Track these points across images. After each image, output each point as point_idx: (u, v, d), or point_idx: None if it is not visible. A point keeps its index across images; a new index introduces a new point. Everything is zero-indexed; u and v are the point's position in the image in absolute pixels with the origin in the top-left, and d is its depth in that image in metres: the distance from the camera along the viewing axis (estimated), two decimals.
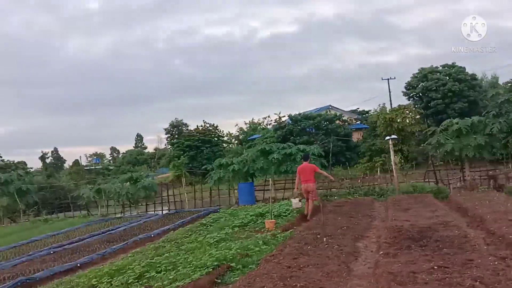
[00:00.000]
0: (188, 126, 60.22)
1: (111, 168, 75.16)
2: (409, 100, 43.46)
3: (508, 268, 6.29)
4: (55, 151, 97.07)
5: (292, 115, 41.99)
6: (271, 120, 55.73)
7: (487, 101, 36.02)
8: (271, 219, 13.20)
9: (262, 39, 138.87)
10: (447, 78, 40.76)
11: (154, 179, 33.67)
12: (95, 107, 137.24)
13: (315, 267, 7.39)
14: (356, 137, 43.46)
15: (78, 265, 11.15)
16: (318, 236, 9.90)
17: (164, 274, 8.06)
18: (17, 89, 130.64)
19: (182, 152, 48.93)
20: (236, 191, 22.86)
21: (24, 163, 62.42)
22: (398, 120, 34.97)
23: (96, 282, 8.25)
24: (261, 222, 13.40)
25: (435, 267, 6.53)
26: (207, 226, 14.38)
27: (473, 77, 41.82)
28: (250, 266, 8.37)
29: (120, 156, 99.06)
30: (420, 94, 42.28)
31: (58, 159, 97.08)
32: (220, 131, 56.76)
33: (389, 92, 51.98)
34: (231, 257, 8.75)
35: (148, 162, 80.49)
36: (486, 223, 9.95)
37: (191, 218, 18.09)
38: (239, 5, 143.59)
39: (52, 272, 10.49)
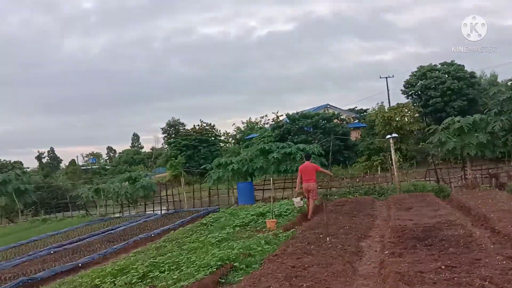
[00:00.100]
0: (185, 126, 60.10)
1: (108, 168, 75.00)
2: (407, 98, 43.52)
3: None
4: (52, 151, 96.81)
5: (290, 114, 41.96)
6: (269, 119, 55.71)
7: (486, 99, 36.12)
8: (272, 218, 13.14)
9: (259, 38, 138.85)
10: (446, 76, 40.77)
11: (151, 179, 33.58)
12: (91, 107, 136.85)
13: (320, 266, 7.35)
14: (354, 136, 43.46)
15: (80, 265, 11.08)
16: (321, 236, 9.86)
17: (168, 274, 7.99)
18: (13, 88, 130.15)
19: (179, 152, 48.94)
20: (235, 190, 22.80)
21: (21, 163, 62.42)
22: (397, 119, 34.95)
23: (99, 282, 8.16)
24: (262, 221, 13.34)
25: (443, 267, 6.49)
26: (208, 225, 14.30)
27: (472, 75, 41.84)
28: (254, 265, 8.34)
29: (116, 155, 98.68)
30: (419, 92, 42.27)
31: (55, 159, 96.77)
32: (217, 131, 56.83)
33: (388, 90, 51.93)
34: (234, 257, 8.70)
35: (145, 162, 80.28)
36: (490, 222, 9.91)
37: (191, 218, 18.00)
38: (236, 4, 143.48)
39: (54, 272, 10.42)
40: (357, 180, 23.47)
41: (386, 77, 50.56)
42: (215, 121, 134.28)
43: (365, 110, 54.38)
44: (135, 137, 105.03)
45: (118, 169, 64.73)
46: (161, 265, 8.66)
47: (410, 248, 7.94)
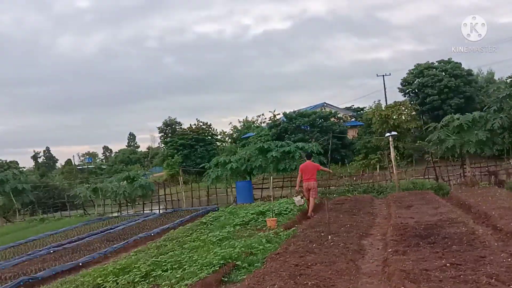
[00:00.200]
0: (181, 125, 59.93)
1: (104, 167, 74.97)
2: (405, 96, 43.43)
3: None
4: (47, 151, 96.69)
5: (287, 112, 41.91)
6: (265, 118, 55.68)
7: (483, 97, 36.19)
8: (272, 217, 13.11)
9: (254, 36, 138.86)
10: (443, 74, 40.75)
11: (149, 178, 33.54)
12: (87, 106, 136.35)
13: (323, 265, 7.33)
14: (351, 134, 43.45)
15: (80, 264, 11.04)
16: (322, 234, 9.86)
17: (170, 272, 7.95)
18: (8, 88, 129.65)
19: (175, 151, 48.89)
20: (234, 189, 22.75)
21: (16, 163, 62.26)
22: (394, 117, 34.96)
23: (101, 281, 8.11)
24: (262, 220, 13.29)
25: (448, 265, 6.48)
26: (208, 224, 14.24)
27: (469, 72, 41.77)
28: (256, 264, 8.34)
29: (112, 155, 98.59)
30: (416, 90, 42.20)
31: (50, 159, 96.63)
32: (214, 130, 56.76)
33: (384, 88, 52.01)
34: (236, 256, 8.67)
35: (141, 161, 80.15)
36: (492, 219, 9.92)
37: (190, 217, 17.97)
38: (230, 2, 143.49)
39: (54, 272, 10.37)
40: (355, 178, 23.47)
41: (383, 75, 50.74)
42: (211, 120, 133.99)
43: (362, 109, 54.32)
44: (131, 137, 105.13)
45: (114, 168, 64.73)
46: (164, 264, 8.61)
47: (413, 246, 7.93)
